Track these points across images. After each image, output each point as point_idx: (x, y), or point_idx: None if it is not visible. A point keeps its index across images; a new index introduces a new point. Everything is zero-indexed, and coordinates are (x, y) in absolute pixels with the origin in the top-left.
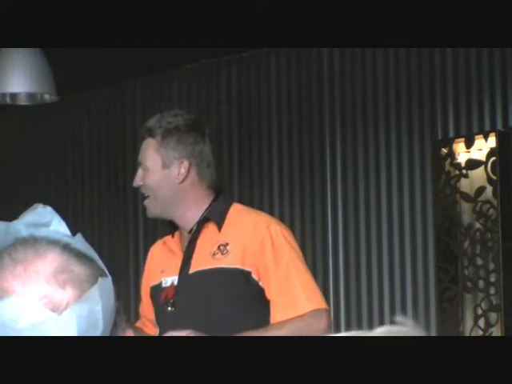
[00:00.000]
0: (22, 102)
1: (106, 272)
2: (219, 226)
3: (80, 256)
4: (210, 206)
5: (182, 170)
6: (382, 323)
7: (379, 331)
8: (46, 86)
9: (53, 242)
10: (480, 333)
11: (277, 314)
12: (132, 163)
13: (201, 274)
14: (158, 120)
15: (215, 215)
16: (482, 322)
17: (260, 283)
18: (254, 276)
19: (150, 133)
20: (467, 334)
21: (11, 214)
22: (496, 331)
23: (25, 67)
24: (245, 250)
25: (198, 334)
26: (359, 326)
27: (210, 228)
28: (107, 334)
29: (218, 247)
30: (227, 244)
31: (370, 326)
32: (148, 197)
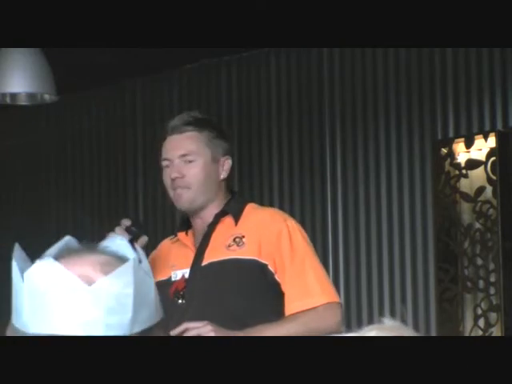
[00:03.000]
0: (22, 102)
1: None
2: (236, 220)
3: (122, 257)
4: (227, 203)
5: (226, 167)
6: (381, 323)
7: (367, 329)
8: (46, 86)
9: (100, 250)
10: (480, 333)
11: (290, 305)
12: (132, 163)
13: (213, 264)
14: (190, 115)
15: (233, 209)
16: (481, 322)
17: (276, 276)
18: (271, 268)
19: (195, 126)
20: (467, 334)
21: (11, 215)
22: (496, 331)
23: (25, 67)
24: (261, 243)
25: (215, 326)
26: (359, 326)
27: (226, 222)
28: (137, 329)
29: (234, 239)
30: (243, 236)
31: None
32: (187, 188)
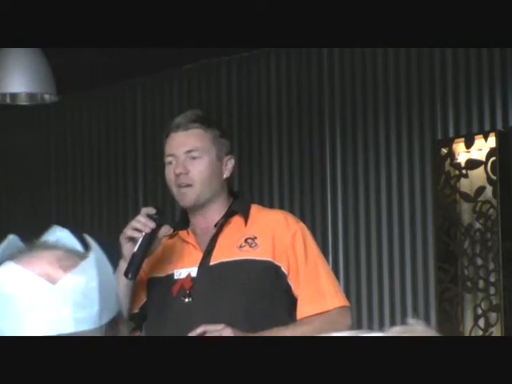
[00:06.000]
0: (22, 102)
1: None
2: (246, 220)
3: (75, 251)
4: (232, 203)
5: (229, 166)
6: (382, 323)
7: (393, 331)
8: (46, 85)
9: (50, 245)
10: (480, 333)
11: (304, 307)
12: (132, 163)
13: (224, 264)
14: (194, 113)
15: (242, 209)
16: (481, 322)
17: (288, 279)
18: (284, 270)
19: (201, 123)
20: (467, 334)
21: (11, 215)
22: (496, 331)
23: (25, 67)
24: (275, 244)
25: (233, 329)
26: (359, 326)
27: (235, 223)
28: (105, 320)
29: (245, 240)
30: (255, 237)
31: (370, 326)
32: (191, 185)
